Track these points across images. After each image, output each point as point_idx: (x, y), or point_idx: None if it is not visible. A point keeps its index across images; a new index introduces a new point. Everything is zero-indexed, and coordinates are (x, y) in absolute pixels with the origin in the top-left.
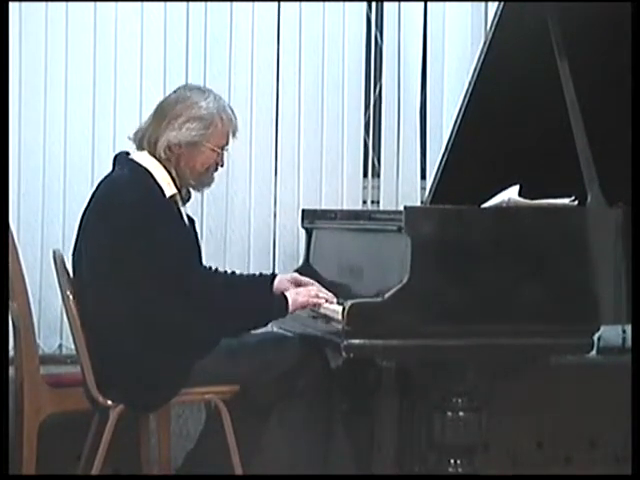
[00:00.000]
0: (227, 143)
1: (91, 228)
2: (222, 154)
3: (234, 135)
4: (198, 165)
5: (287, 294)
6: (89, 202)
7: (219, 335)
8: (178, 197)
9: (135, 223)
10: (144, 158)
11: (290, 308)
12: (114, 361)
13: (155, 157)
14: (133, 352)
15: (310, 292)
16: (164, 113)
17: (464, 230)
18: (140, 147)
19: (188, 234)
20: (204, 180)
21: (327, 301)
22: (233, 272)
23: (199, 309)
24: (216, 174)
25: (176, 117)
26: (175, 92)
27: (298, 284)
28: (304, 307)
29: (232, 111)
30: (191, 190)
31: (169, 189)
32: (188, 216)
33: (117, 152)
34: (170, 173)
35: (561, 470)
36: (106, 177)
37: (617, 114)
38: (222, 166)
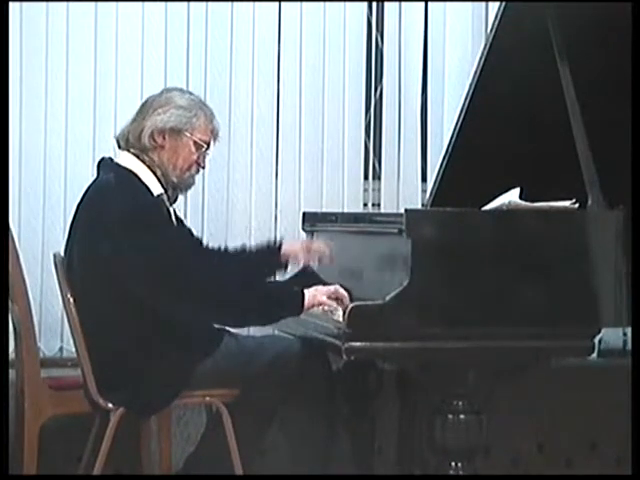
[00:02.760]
0: (208, 143)
1: (81, 235)
2: (203, 154)
3: (215, 138)
4: (181, 160)
5: (305, 291)
6: (77, 210)
7: (229, 325)
8: (165, 197)
9: (126, 226)
10: (128, 160)
11: (305, 307)
12: (115, 364)
13: (139, 158)
14: (134, 355)
15: (330, 291)
16: (147, 106)
17: (465, 233)
18: (125, 146)
19: (180, 231)
20: (186, 179)
21: (338, 304)
22: (243, 248)
23: (205, 304)
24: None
25: (161, 106)
26: (156, 93)
27: (308, 249)
28: (319, 305)
29: (213, 114)
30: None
31: (156, 189)
32: (176, 216)
33: (101, 157)
34: (155, 173)
35: (562, 472)
36: (92, 184)
37: (617, 116)
38: (203, 168)
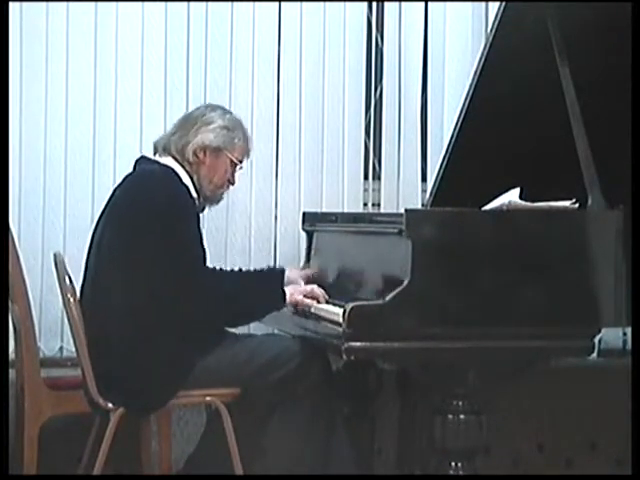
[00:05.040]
0: (242, 161)
1: (120, 218)
2: (236, 171)
3: (248, 156)
4: (217, 177)
5: (285, 289)
6: (114, 195)
7: (218, 325)
8: (197, 203)
9: (168, 215)
10: (170, 161)
11: (287, 302)
12: (115, 364)
13: (179, 163)
14: (134, 354)
15: (306, 290)
16: (194, 120)
17: (465, 233)
18: (163, 153)
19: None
20: (217, 194)
21: (318, 301)
22: (240, 269)
23: (204, 305)
24: None
25: (207, 123)
26: (199, 108)
27: (307, 282)
28: (298, 304)
29: (249, 134)
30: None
31: (193, 192)
32: None
33: (140, 155)
34: (192, 178)
35: (562, 472)
36: (130, 173)
37: (617, 116)
38: (233, 184)
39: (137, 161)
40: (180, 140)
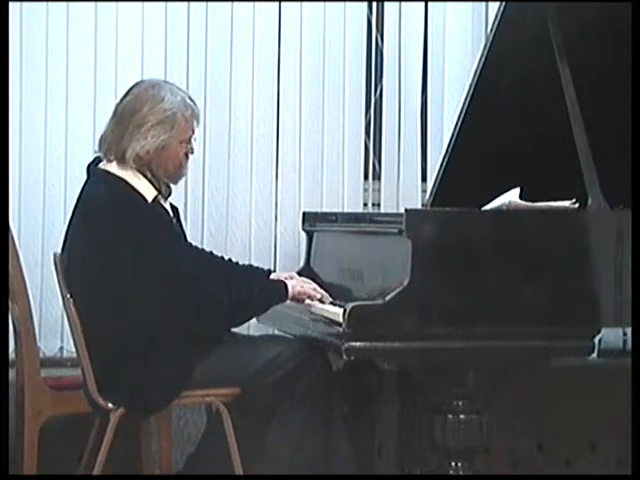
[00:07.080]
0: (193, 133)
1: (78, 244)
2: (190, 144)
3: (198, 123)
4: (170, 164)
5: (287, 282)
6: (71, 220)
7: (221, 325)
8: (160, 197)
9: (120, 233)
10: (114, 169)
11: (290, 294)
12: (115, 364)
13: (126, 166)
14: (134, 355)
15: (310, 285)
16: (125, 121)
17: (465, 233)
18: (108, 159)
19: (177, 234)
20: (178, 174)
21: (321, 301)
22: (230, 259)
23: (199, 304)
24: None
25: (139, 126)
26: (131, 92)
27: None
28: (301, 297)
29: (192, 101)
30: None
31: (149, 193)
32: (171, 205)
33: (90, 159)
34: (145, 176)
35: (562, 472)
36: (82, 191)
37: (617, 116)
38: (192, 153)
39: (88, 168)
40: (118, 146)
